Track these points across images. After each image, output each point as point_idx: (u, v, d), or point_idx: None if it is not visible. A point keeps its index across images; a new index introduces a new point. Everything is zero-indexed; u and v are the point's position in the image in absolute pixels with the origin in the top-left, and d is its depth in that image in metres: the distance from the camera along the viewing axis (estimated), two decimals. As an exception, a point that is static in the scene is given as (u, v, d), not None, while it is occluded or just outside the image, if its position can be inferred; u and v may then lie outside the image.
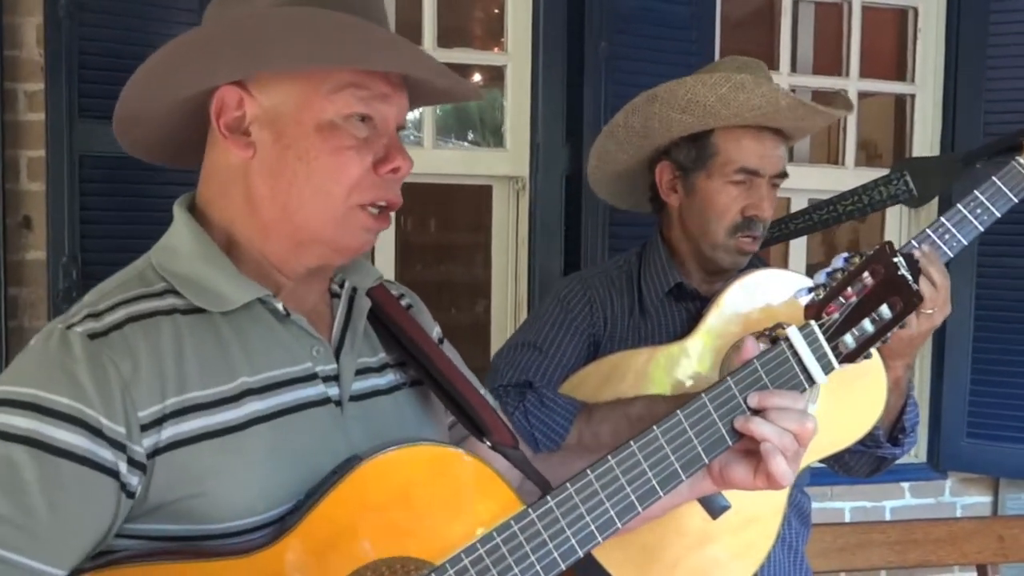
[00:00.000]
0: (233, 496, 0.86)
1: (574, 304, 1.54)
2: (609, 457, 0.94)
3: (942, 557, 2.35)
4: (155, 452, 0.84)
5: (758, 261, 1.58)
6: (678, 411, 0.97)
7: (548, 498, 0.92)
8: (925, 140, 2.87)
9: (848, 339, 0.98)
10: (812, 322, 0.98)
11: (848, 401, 1.38)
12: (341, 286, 1.04)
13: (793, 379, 0.98)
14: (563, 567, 0.92)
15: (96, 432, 0.81)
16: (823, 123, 1.54)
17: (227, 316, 0.91)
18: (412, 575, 0.90)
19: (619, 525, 0.94)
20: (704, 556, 1.35)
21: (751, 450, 0.98)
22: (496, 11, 2.61)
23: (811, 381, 0.98)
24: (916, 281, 0.97)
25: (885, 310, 0.98)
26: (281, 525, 0.87)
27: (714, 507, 1.30)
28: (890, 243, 0.99)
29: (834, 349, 0.98)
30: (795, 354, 0.97)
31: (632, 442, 0.95)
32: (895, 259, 0.97)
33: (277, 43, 0.88)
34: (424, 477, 0.92)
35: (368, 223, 0.94)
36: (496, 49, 2.80)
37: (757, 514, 1.37)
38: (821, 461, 1.52)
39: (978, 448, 2.76)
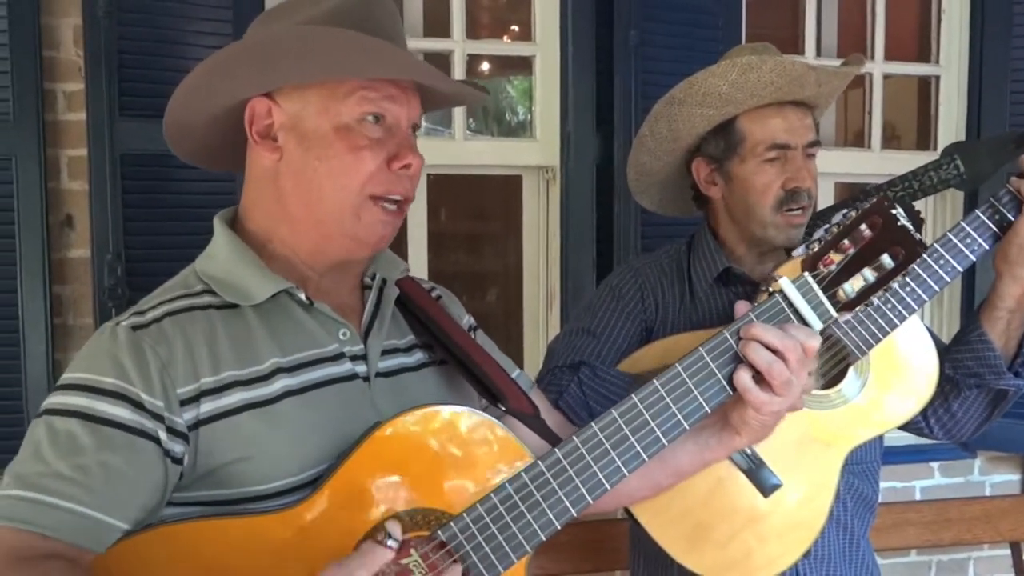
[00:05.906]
0: (272, 460, 0.98)
1: (626, 291, 1.58)
2: (612, 411, 1.01)
3: (977, 535, 2.38)
4: (197, 424, 0.96)
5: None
6: (676, 364, 1.01)
7: (556, 450, 1.01)
8: (950, 122, 2.86)
9: (848, 287, 1.01)
10: (806, 273, 1.02)
11: (901, 375, 1.41)
12: (373, 279, 1.15)
13: None
14: (574, 513, 1.00)
15: (138, 405, 0.94)
16: (841, 84, 1.53)
17: (257, 308, 1.04)
18: (432, 524, 0.99)
19: (626, 473, 1.01)
20: (756, 533, 1.37)
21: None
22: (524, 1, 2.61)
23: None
24: (919, 230, 1.00)
25: (887, 259, 1.01)
26: (314, 486, 0.98)
27: (765, 485, 1.34)
28: (886, 193, 1.02)
29: (832, 297, 1.01)
30: (789, 304, 1.02)
31: (633, 396, 1.01)
32: (893, 211, 1.00)
33: (291, 60, 1.00)
34: (440, 436, 1.01)
35: (382, 216, 1.05)
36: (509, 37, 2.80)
37: (808, 493, 1.39)
38: (915, 431, 1.54)
39: (1006, 426, 2.69)
